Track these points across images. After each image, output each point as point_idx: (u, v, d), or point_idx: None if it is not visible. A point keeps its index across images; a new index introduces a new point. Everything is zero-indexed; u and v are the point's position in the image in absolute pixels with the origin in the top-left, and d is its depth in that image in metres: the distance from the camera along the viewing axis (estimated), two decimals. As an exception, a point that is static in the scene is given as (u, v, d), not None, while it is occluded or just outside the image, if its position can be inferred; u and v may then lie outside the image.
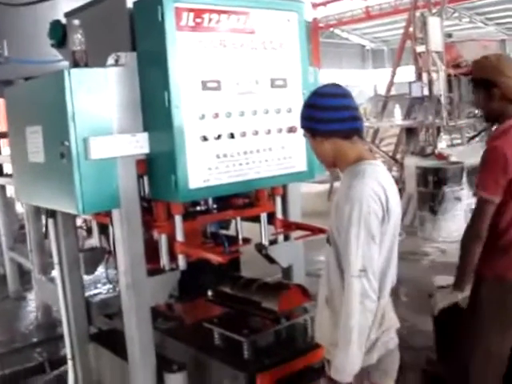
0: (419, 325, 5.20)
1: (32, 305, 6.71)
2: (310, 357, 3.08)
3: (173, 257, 3.20)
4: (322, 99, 2.42)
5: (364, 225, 2.25)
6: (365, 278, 2.24)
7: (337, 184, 11.32)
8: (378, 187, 2.31)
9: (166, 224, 3.16)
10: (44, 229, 6.17)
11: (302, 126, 2.52)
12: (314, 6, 25.41)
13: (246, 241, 3.58)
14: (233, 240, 3.50)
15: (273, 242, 3.57)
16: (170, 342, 3.46)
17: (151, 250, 3.18)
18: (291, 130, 3.26)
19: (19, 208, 8.12)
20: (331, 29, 29.09)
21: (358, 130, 2.44)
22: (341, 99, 2.41)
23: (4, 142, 7.29)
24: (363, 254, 2.25)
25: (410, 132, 11.22)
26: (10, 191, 7.24)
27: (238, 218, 3.52)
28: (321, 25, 26.99)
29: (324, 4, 25.67)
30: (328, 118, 2.38)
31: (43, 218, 6.24)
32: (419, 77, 11.42)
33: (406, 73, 14.02)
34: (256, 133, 3.12)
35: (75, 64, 3.01)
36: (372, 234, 2.26)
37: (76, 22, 3.07)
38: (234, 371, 2.99)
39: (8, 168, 6.68)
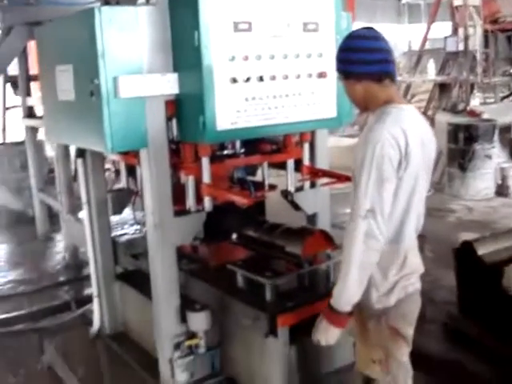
0: (442, 280, 5.21)
1: (60, 246, 6.84)
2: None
3: (199, 199, 3.23)
4: (355, 41, 2.43)
5: (376, 167, 2.27)
6: (371, 219, 2.28)
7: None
8: (398, 131, 2.31)
9: (193, 166, 3.18)
10: (73, 171, 6.30)
11: (337, 69, 2.53)
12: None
13: (272, 187, 3.59)
14: (259, 185, 3.51)
15: (299, 189, 3.57)
16: (193, 283, 3.52)
17: (178, 193, 3.21)
18: (321, 75, 3.21)
19: (49, 151, 8.24)
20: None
21: (389, 73, 2.43)
22: (373, 41, 2.40)
23: (35, 85, 7.33)
24: (372, 195, 2.28)
25: (443, 88, 11.01)
26: (41, 134, 7.31)
27: (265, 164, 3.53)
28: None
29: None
30: (360, 59, 2.38)
31: (72, 160, 6.36)
32: (455, 31, 11.14)
33: (442, 28, 13.68)
34: (286, 77, 3.08)
35: (106, 2, 3.00)
36: (384, 177, 2.28)
37: (107, -40, 3.05)
38: (255, 311, 3.03)
39: (39, 110, 6.75)
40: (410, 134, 2.33)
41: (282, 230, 3.40)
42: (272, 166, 3.62)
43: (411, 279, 2.52)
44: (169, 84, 2.96)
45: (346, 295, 2.38)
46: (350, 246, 2.32)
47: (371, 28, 2.48)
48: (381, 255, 2.36)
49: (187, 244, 3.49)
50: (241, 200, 3.00)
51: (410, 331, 2.60)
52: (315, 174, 3.55)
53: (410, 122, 2.37)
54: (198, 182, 3.20)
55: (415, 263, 2.56)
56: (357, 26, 3.54)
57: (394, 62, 2.45)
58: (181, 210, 3.21)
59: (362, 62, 2.38)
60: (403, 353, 2.60)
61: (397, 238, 2.40)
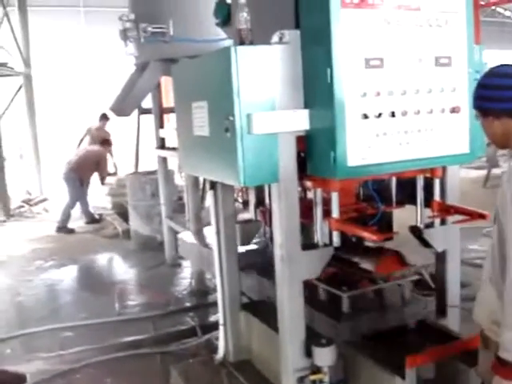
0: None
1: (186, 271, 7.09)
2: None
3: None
4: (493, 78, 2.45)
5: None
6: None
7: (495, 171, 10.76)
8: None
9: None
10: (201, 199, 6.54)
11: (474, 106, 2.55)
12: (476, -18, 24.08)
13: (401, 203, 3.62)
14: (387, 201, 3.56)
15: (429, 226, 3.49)
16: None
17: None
18: (454, 110, 3.14)
19: (178, 180, 8.61)
20: (493, 7, 27.43)
21: None
22: (511, 79, 2.40)
23: (166, 117, 7.71)
24: None
25: None
26: (171, 164, 7.65)
27: (394, 179, 3.52)
28: (482, 2, 25.51)
29: (487, -19, 24.23)
30: (498, 96, 2.40)
31: (201, 189, 6.60)
32: None
33: None
34: (418, 112, 3.04)
35: (241, 42, 3.11)
36: None
37: (242, 0, 3.17)
38: (332, 321, 3.40)
39: (170, 142, 7.08)
40: None
41: (361, 249, 3.61)
42: (400, 203, 3.58)
43: None
44: (300, 120, 3.01)
45: None
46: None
47: (509, 65, 2.48)
48: None
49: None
50: (370, 237, 2.98)
51: None
52: (447, 210, 3.45)
53: None
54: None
55: None
56: (484, 53, 3.47)
57: None
58: (309, 244, 3.25)
59: (501, 100, 2.40)
60: None
61: None
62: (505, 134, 2.45)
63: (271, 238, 3.28)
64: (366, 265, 3.51)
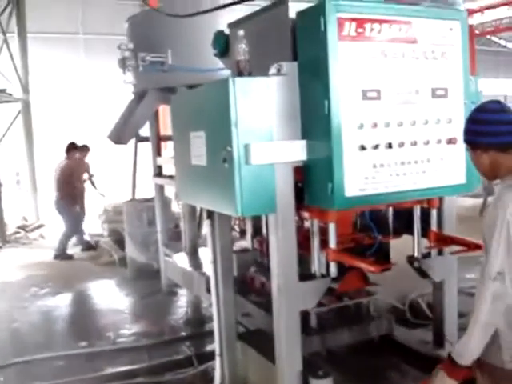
0: None
1: (183, 300, 7.04)
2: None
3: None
4: (481, 114, 2.60)
5: (505, 232, 2.40)
6: (500, 282, 2.41)
7: (491, 198, 10.69)
8: None
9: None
10: (198, 227, 6.52)
11: (464, 140, 2.68)
12: (470, 12, 24.35)
13: (398, 233, 3.62)
14: (384, 231, 3.57)
15: (426, 256, 3.49)
16: (257, 312, 3.91)
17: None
18: (451, 141, 3.18)
19: (174, 207, 8.59)
20: (488, 36, 27.79)
21: None
22: (500, 114, 2.55)
23: (164, 144, 7.73)
24: (502, 259, 2.41)
25: None
26: (168, 191, 7.65)
27: (390, 209, 3.54)
28: (477, 32, 25.84)
29: (481, 11, 24.54)
30: (485, 131, 2.55)
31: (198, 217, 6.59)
32: None
33: None
34: (414, 143, 3.07)
35: (239, 73, 3.14)
36: None
37: (241, 32, 3.21)
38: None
39: (167, 169, 7.08)
40: None
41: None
42: (397, 233, 3.58)
43: None
44: (297, 151, 3.04)
45: (469, 351, 2.52)
46: (479, 306, 2.46)
47: (498, 101, 2.64)
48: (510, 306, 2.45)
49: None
50: (368, 268, 2.98)
51: None
52: (444, 240, 3.46)
53: None
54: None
55: None
56: (480, 82, 3.52)
57: None
58: (306, 275, 3.24)
59: (489, 134, 2.54)
60: None
61: None
62: (492, 166, 2.58)
63: (268, 268, 3.26)
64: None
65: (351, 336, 3.42)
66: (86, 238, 10.64)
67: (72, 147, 10.36)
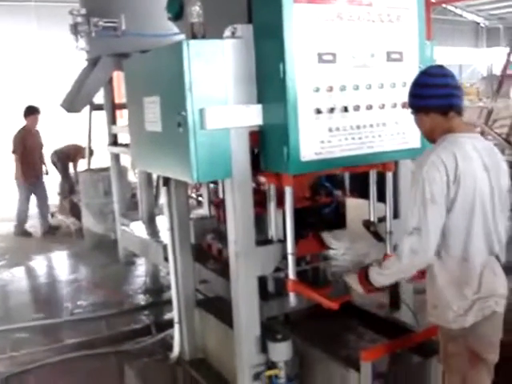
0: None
1: (141, 269, 7.01)
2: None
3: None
4: (424, 78, 2.69)
5: (422, 188, 2.52)
6: (417, 236, 2.51)
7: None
8: (448, 155, 2.52)
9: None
10: (155, 197, 6.45)
11: (408, 104, 2.79)
12: (427, -19, 24.45)
13: (353, 193, 3.66)
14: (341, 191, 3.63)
15: (381, 220, 3.52)
16: (215, 279, 3.86)
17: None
18: (405, 105, 3.16)
19: (131, 177, 8.49)
20: (444, 5, 27.98)
21: (454, 107, 2.64)
22: (439, 78, 2.64)
23: (119, 113, 7.59)
24: (419, 215, 2.52)
25: (527, 113, 10.66)
26: (124, 161, 7.54)
27: (347, 174, 3.57)
28: (433, 0, 25.99)
29: (438, -21, 24.68)
30: (427, 94, 2.65)
31: (154, 185, 6.52)
32: (539, 56, 10.82)
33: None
34: (370, 107, 3.07)
35: (193, 36, 3.07)
36: (429, 198, 2.50)
37: (195, -6, 3.13)
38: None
39: (122, 138, 6.97)
40: (462, 158, 2.53)
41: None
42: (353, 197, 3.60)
43: (489, 301, 2.60)
44: (253, 115, 3.00)
45: (380, 282, 2.78)
46: (397, 258, 2.63)
47: (440, 65, 2.75)
48: (455, 273, 2.59)
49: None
50: (326, 303, 3.03)
51: (490, 356, 2.68)
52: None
53: (465, 148, 2.58)
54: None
55: (493, 285, 2.62)
56: (435, 50, 3.53)
57: (460, 96, 2.68)
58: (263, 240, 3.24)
59: (430, 97, 2.64)
60: (483, 379, 2.68)
61: (464, 256, 2.59)
62: (433, 129, 2.69)
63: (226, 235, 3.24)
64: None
65: (308, 300, 3.43)
66: (50, 220, 9.91)
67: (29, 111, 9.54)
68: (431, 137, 2.73)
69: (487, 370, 2.70)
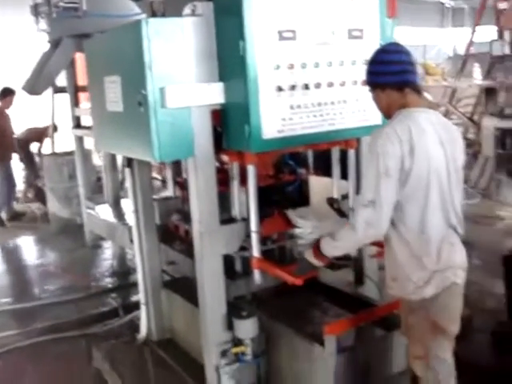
0: (490, 288, 5.13)
1: (107, 253, 6.97)
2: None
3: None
4: (379, 55, 2.72)
5: (376, 161, 2.54)
6: (371, 208, 2.53)
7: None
8: (403, 128, 2.56)
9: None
10: (120, 180, 6.41)
11: (365, 80, 2.81)
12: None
13: (316, 172, 3.67)
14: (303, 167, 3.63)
15: (344, 197, 3.55)
16: (182, 259, 3.91)
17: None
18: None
19: (96, 160, 8.40)
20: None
21: (410, 83, 2.68)
22: (394, 55, 2.67)
23: (83, 95, 7.48)
24: (372, 188, 2.54)
25: (490, 92, 10.78)
26: (88, 144, 7.45)
27: (310, 151, 3.58)
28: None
29: (402, -41, 24.70)
30: (381, 71, 2.68)
31: (119, 169, 6.47)
32: (500, 35, 10.95)
33: (487, 32, 13.41)
34: (331, 84, 3.09)
35: (153, 14, 3.05)
36: (382, 171, 2.52)
37: (154, -28, 3.10)
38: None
39: (86, 121, 6.88)
40: (417, 131, 2.56)
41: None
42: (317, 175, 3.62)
43: (447, 273, 2.66)
44: (214, 93, 2.99)
45: (334, 253, 2.79)
46: (351, 229, 2.62)
47: (396, 43, 2.83)
48: (414, 246, 2.61)
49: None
50: (290, 280, 3.04)
51: (451, 327, 2.73)
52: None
53: (420, 122, 2.60)
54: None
55: (451, 257, 2.68)
56: (399, 30, 3.55)
57: (415, 72, 2.72)
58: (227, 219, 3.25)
59: (386, 74, 2.67)
60: (444, 349, 2.73)
61: (421, 229, 2.61)
62: (389, 105, 2.72)
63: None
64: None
65: (275, 278, 3.46)
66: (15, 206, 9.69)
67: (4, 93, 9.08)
68: (388, 113, 2.75)
69: (448, 341, 2.75)
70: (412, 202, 2.60)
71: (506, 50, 10.60)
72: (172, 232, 4.14)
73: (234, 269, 3.57)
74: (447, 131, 2.71)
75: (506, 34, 10.62)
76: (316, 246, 2.83)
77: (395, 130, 2.57)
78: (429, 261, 2.63)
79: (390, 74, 2.66)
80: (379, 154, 2.54)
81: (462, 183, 2.81)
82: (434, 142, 2.61)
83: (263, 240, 3.31)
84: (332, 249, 2.76)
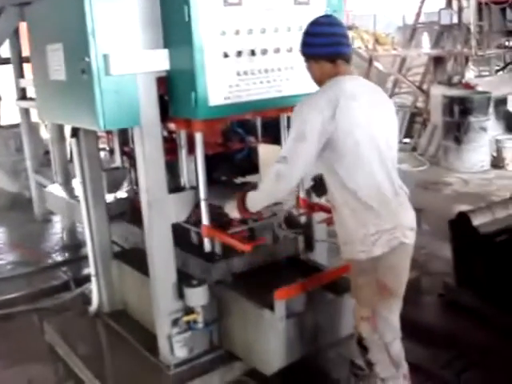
0: (438, 251, 5.26)
1: (57, 227, 6.86)
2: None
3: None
4: (313, 27, 2.77)
5: (296, 126, 2.64)
6: (283, 164, 2.63)
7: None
8: (329, 94, 2.63)
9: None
10: (68, 152, 6.27)
11: (300, 51, 2.85)
12: None
13: (266, 141, 3.68)
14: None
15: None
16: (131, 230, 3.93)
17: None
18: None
19: (44, 133, 8.20)
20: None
21: (342, 55, 2.75)
22: (327, 27, 2.74)
23: (28, 66, 7.27)
24: (289, 147, 2.65)
25: (438, 61, 10.95)
26: (35, 116, 7.27)
27: (258, 119, 3.58)
28: None
29: None
30: (315, 43, 2.75)
31: (68, 141, 6.34)
32: (449, 4, 11.08)
33: (436, 2, 13.55)
34: (277, 50, 3.08)
35: (95, -22, 2.96)
36: (300, 133, 2.61)
37: None
38: (205, 263, 3.42)
39: (31, 92, 6.70)
40: (344, 96, 2.61)
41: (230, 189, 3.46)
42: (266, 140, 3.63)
43: (395, 233, 2.69)
44: (160, 60, 2.95)
45: (253, 206, 2.93)
46: (265, 181, 2.79)
47: (329, 15, 2.91)
48: (359, 208, 2.67)
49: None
50: (239, 246, 3.06)
51: (398, 287, 2.79)
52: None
53: (346, 87, 2.67)
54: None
55: (400, 217, 2.73)
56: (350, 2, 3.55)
57: (347, 44, 2.80)
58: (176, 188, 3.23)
59: (319, 45, 2.73)
60: (391, 310, 2.79)
61: (355, 189, 2.66)
62: (322, 75, 2.77)
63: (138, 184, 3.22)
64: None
65: (254, 260, 3.46)
66: None
67: None
68: (321, 83, 2.79)
69: (396, 303, 2.81)
70: (351, 166, 2.65)
71: (454, 19, 10.75)
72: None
73: (213, 251, 3.42)
74: (376, 94, 2.83)
75: (454, 4, 10.76)
76: (241, 200, 2.94)
77: (321, 96, 2.65)
78: (372, 224, 2.67)
79: (323, 46, 2.72)
80: (300, 120, 2.63)
81: (397, 143, 2.91)
82: (363, 106, 2.67)
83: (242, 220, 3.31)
84: (252, 202, 2.91)
